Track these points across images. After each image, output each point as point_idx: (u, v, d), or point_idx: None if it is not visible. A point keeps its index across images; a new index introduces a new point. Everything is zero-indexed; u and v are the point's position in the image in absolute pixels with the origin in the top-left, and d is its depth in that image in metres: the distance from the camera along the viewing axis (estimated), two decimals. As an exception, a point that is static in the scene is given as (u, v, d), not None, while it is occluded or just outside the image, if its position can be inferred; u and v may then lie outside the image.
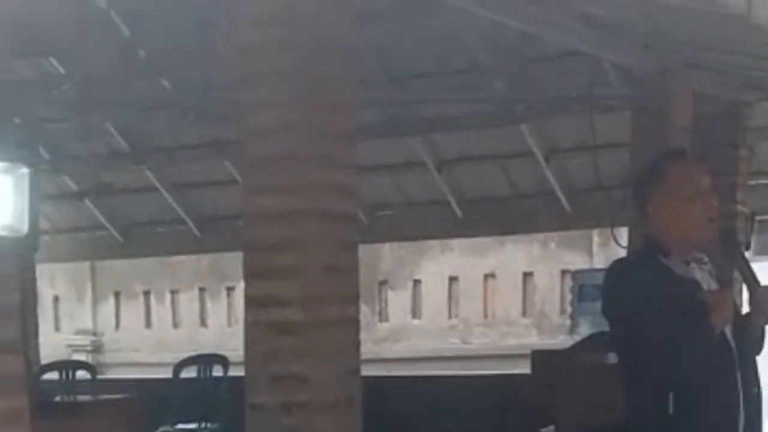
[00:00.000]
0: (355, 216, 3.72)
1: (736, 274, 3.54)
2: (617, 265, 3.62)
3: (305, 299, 3.47)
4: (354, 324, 3.69)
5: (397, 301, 14.49)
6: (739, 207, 6.54)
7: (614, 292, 3.53)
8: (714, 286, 3.50)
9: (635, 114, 5.94)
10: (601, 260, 12.33)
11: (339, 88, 3.49)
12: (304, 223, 3.45)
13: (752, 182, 6.86)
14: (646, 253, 3.53)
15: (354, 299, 3.70)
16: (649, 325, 3.33)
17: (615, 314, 3.49)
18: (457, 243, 12.71)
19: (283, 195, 3.45)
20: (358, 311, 3.76)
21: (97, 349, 15.94)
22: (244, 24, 3.48)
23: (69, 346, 15.09)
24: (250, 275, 3.57)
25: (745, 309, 3.58)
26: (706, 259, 3.55)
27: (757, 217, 6.78)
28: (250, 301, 3.57)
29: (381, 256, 13.27)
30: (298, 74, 3.36)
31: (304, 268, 3.46)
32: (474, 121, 7.20)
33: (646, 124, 5.77)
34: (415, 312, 14.66)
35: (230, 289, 14.82)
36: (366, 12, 4.32)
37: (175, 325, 15.91)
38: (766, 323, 3.56)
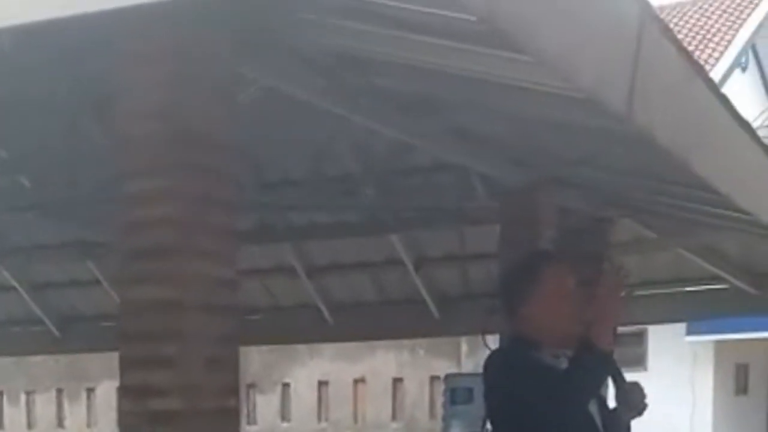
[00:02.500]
0: (236, 309, 3.70)
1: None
2: (495, 356, 3.73)
3: (184, 389, 3.42)
4: (234, 415, 3.67)
5: (266, 404, 14.37)
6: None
7: (497, 380, 3.63)
8: None
9: (503, 226, 6.05)
10: (469, 367, 12.48)
11: (219, 182, 3.49)
12: (183, 314, 3.41)
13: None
14: (518, 349, 3.64)
15: (234, 391, 3.68)
16: (532, 409, 3.43)
17: (498, 401, 3.59)
18: (327, 348, 12.74)
19: (162, 287, 3.41)
20: (238, 403, 3.74)
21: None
22: (122, 118, 3.46)
23: None
24: (126, 366, 3.52)
25: (612, 404, 3.72)
26: (569, 354, 3.66)
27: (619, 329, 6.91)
28: (126, 392, 3.52)
29: (249, 359, 13.19)
30: (177, 168, 3.35)
31: (184, 359, 3.41)
32: (344, 229, 7.23)
33: (513, 236, 5.87)
34: (285, 415, 14.55)
35: (90, 390, 14.53)
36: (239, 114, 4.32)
37: (30, 426, 15.49)
38: (632, 418, 3.69)
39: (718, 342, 18.63)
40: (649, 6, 2.51)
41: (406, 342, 12.70)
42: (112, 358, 3.91)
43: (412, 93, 4.31)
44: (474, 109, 4.48)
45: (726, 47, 21.40)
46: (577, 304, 3.64)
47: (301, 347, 12.75)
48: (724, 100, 3.38)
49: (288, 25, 3.53)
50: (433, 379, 13.63)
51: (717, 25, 22.40)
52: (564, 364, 3.63)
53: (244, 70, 3.74)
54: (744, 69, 22.08)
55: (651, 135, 2.71)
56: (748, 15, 22.49)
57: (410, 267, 7.61)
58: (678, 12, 22.68)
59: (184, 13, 3.06)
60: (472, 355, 12.61)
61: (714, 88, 3.26)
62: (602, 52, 2.44)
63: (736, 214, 4.41)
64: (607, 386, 4.05)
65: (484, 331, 6.16)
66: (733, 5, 23.00)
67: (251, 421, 14.39)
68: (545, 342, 3.62)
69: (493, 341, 6.08)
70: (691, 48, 19.49)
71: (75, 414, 14.99)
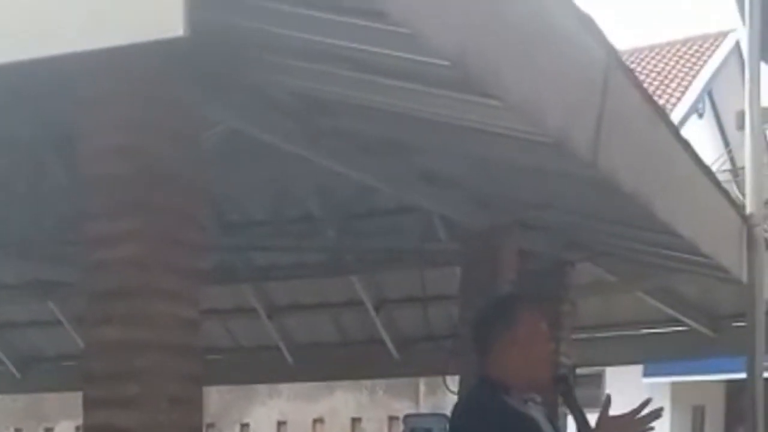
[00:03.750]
0: (199, 349, 3.68)
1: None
2: (465, 400, 3.70)
3: (148, 429, 3.39)
4: (198, 455, 3.64)
5: (224, 444, 14.28)
6: (563, 359, 6.67)
7: (466, 425, 3.61)
8: (548, 426, 3.63)
9: (464, 268, 6.05)
10: (427, 407, 12.46)
11: (182, 223, 3.48)
12: (147, 354, 3.40)
13: (574, 336, 7.01)
14: (488, 391, 3.61)
15: (198, 430, 3.66)
16: None
17: None
18: (286, 388, 12.67)
19: (126, 327, 3.39)
20: (202, 442, 3.70)
21: None
22: (85, 158, 3.44)
23: None
24: (90, 406, 3.50)
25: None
26: (539, 399, 3.65)
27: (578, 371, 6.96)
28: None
29: (208, 399, 13.09)
30: (142, 208, 3.34)
31: (147, 399, 3.39)
32: (305, 270, 7.21)
33: (474, 278, 5.87)
34: (243, 455, 14.46)
35: (48, 430, 14.37)
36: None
37: (-12, 466, 15.29)
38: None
39: (674, 384, 18.68)
40: (614, 51, 2.54)
41: (365, 382, 12.65)
42: (71, 398, 3.87)
43: (376, 135, 4.33)
44: (438, 152, 4.50)
45: (683, 93, 21.61)
46: (548, 349, 3.63)
47: (261, 387, 12.67)
48: (686, 146, 3.42)
49: (252, 67, 3.53)
50: (392, 419, 13.58)
51: (674, 71, 22.63)
52: (532, 410, 3.61)
53: (208, 111, 3.74)
54: (701, 115, 22.31)
55: (615, 179, 2.74)
56: (705, 61, 22.74)
57: (370, 308, 7.60)
58: (635, 57, 22.89)
59: (148, 55, 3.06)
60: (431, 396, 12.60)
61: (676, 133, 3.30)
62: (569, 97, 2.46)
63: (696, 258, 4.45)
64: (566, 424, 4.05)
65: (445, 373, 6.17)
66: (690, 51, 23.25)
67: (209, 460, 14.29)
68: (515, 386, 3.59)
69: (453, 382, 6.10)
70: (648, 92, 19.57)
71: (32, 454, 14.86)
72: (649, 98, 2.87)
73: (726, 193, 4.22)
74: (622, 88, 2.66)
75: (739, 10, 4.96)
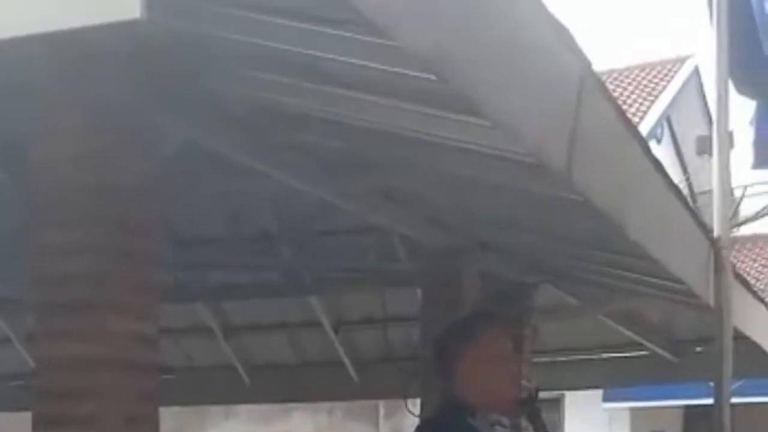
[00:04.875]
0: (156, 366, 3.55)
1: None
2: (429, 423, 3.62)
3: None
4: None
5: (177, 467, 14.07)
6: (525, 382, 6.61)
7: None
8: None
9: (425, 290, 5.96)
10: (387, 430, 12.36)
11: (140, 236, 3.36)
12: (102, 372, 3.30)
13: (536, 360, 6.95)
14: (453, 413, 3.54)
15: None
16: None
17: None
18: (242, 409, 12.52)
19: (80, 343, 3.29)
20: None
21: None
22: (36, 168, 3.32)
23: None
24: (41, 426, 3.38)
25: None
26: (506, 422, 3.58)
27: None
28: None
29: (161, 420, 12.90)
30: (96, 220, 3.22)
31: (102, 417, 3.29)
32: (262, 289, 7.08)
33: (435, 300, 5.79)
34: (196, 478, 14.26)
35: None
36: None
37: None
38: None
39: (633, 409, 18.69)
40: (589, 65, 2.44)
41: (323, 404, 12.52)
42: (18, 419, 3.74)
43: (335, 151, 4.21)
44: (400, 169, 4.39)
45: (641, 119, 21.68)
46: (514, 369, 3.56)
47: (216, 408, 12.50)
48: (657, 165, 3.34)
49: (209, 76, 3.42)
50: (351, 442, 13.49)
51: (633, 97, 22.72)
52: (499, 432, 3.54)
53: (164, 121, 3.63)
54: (659, 141, 22.39)
55: (589, 198, 2.64)
56: (663, 87, 22.86)
57: (329, 329, 7.49)
58: (595, 81, 22.89)
59: (102, 63, 2.95)
60: (389, 419, 12.50)
61: (648, 151, 3.21)
62: (543, 112, 2.36)
63: (664, 282, 4.37)
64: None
65: (405, 395, 6.08)
66: (649, 77, 23.37)
67: (162, 483, 14.09)
68: (481, 408, 3.50)
69: (414, 405, 6.02)
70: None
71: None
72: (622, 114, 2.79)
73: (695, 215, 4.15)
74: (596, 103, 2.56)
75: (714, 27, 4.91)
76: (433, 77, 2.09)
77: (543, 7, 2.18)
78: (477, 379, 3.51)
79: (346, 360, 7.72)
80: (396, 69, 2.39)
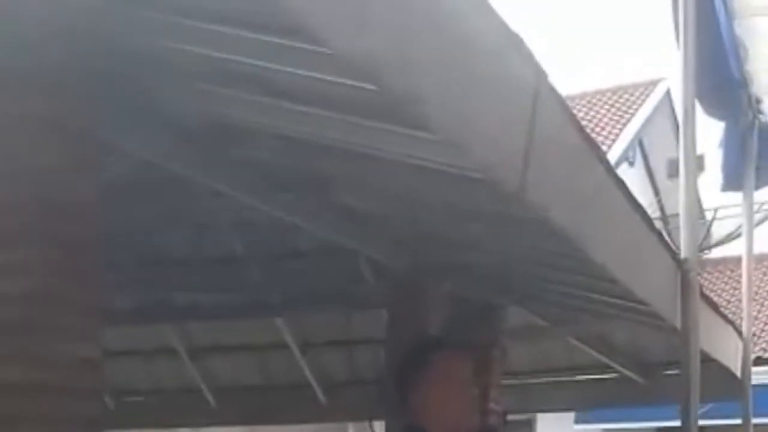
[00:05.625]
0: (99, 391, 3.44)
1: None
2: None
3: None
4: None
5: (144, 491, 13.90)
6: (492, 405, 6.54)
7: None
8: None
9: (391, 311, 5.87)
10: (356, 454, 12.27)
11: (82, 255, 3.24)
12: (41, 397, 3.14)
13: (505, 382, 6.88)
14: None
15: None
16: None
17: None
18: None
19: (18, 367, 3.14)
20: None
21: None
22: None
23: None
24: None
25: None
26: None
27: (509, 416, 6.81)
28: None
29: (128, 444, 12.76)
30: (34, 238, 3.10)
31: None
32: (228, 310, 6.99)
33: (401, 322, 5.70)
34: (164, 502, 14.08)
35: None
36: (115, 189, 4.08)
37: None
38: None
39: (605, 431, 18.64)
40: (544, 75, 2.35)
41: (292, 427, 12.38)
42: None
43: (292, 168, 4.12)
44: (362, 188, 4.30)
45: (614, 141, 21.70)
46: (471, 394, 3.46)
47: (183, 430, 12.34)
48: (620, 183, 3.26)
49: (158, 89, 3.32)
50: (320, 466, 13.30)
51: (605, 119, 22.74)
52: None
53: (114, 140, 3.52)
54: (631, 164, 22.40)
55: (546, 216, 2.55)
56: (636, 110, 22.89)
57: (296, 351, 7.41)
58: (567, 104, 22.90)
59: (46, 74, 2.84)
60: (359, 442, 12.41)
61: (609, 169, 3.12)
62: (495, 124, 2.27)
63: (630, 304, 4.29)
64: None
65: (371, 418, 6.00)
66: (621, 100, 23.39)
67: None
68: (438, 434, 3.42)
69: (381, 428, 5.93)
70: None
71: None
72: (580, 128, 2.70)
73: (660, 236, 4.06)
74: (552, 115, 2.47)
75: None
76: (373, 87, 2.00)
77: (493, 12, 2.08)
78: (433, 405, 3.44)
79: (313, 382, 7.65)
80: (340, 80, 2.30)
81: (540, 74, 2.33)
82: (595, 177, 2.99)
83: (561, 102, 2.51)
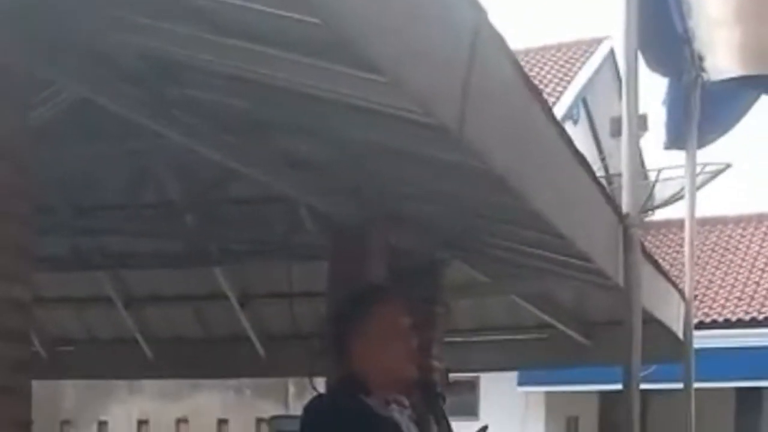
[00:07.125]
0: (28, 334, 3.34)
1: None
2: (316, 403, 3.44)
3: None
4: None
5: (81, 442, 13.79)
6: (435, 362, 6.47)
7: (317, 427, 3.33)
8: (414, 430, 3.37)
9: (332, 263, 5.77)
10: (297, 409, 12.19)
11: (10, 197, 3.12)
12: None
13: (448, 339, 6.80)
14: (346, 392, 3.35)
15: (26, 424, 3.33)
16: None
17: None
18: (147, 385, 12.25)
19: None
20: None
21: None
22: None
23: None
24: None
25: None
26: (406, 402, 3.42)
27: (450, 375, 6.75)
28: None
29: (63, 394, 12.57)
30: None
31: None
32: (165, 259, 6.84)
33: (342, 275, 5.60)
34: (101, 454, 14.00)
35: None
36: (45, 131, 3.94)
37: None
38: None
39: (549, 393, 18.70)
40: (484, 12, 2.25)
41: (231, 381, 12.31)
42: None
43: (235, 110, 3.98)
44: (304, 132, 4.18)
45: (557, 99, 21.60)
46: (410, 346, 3.38)
47: (120, 383, 12.22)
48: (562, 131, 3.16)
49: (95, 24, 3.18)
50: (260, 421, 13.29)
51: (549, 77, 22.63)
52: (396, 413, 3.36)
53: (44, 75, 3.38)
54: (575, 122, 22.34)
55: (484, 159, 2.45)
56: (579, 68, 22.80)
57: (235, 302, 7.27)
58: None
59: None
60: (300, 397, 12.33)
61: (551, 116, 3.03)
62: (433, 62, 2.17)
63: (572, 260, 4.22)
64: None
65: (311, 373, 5.90)
66: (564, 58, 23.28)
67: (64, 459, 13.76)
68: (376, 386, 3.33)
69: (321, 384, 5.84)
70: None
71: None
72: (520, 71, 2.59)
73: (603, 189, 3.99)
74: (491, 54, 2.37)
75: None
76: (318, 21, 1.91)
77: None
78: (370, 356, 3.36)
79: (252, 335, 7.52)
80: (287, 13, 2.20)
81: (480, 12, 2.23)
82: (537, 124, 2.90)
83: (501, 41, 2.41)
